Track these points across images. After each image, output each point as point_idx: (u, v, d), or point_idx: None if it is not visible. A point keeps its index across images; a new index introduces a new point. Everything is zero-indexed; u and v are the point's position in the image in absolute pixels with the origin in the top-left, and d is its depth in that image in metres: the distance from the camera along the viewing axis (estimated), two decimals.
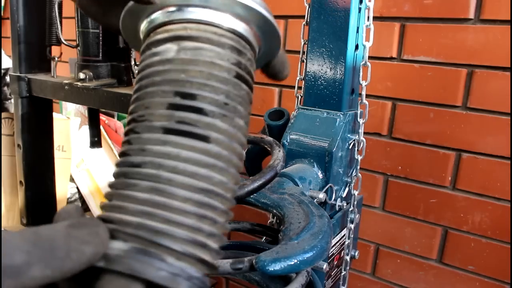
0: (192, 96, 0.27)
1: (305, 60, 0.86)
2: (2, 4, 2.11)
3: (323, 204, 0.79)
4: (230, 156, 0.27)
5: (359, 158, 0.86)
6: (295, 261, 0.46)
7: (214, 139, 0.27)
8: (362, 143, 0.84)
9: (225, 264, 0.48)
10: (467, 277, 1.12)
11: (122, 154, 0.27)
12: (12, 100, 1.33)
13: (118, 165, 0.28)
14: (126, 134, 0.28)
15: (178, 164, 0.25)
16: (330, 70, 0.83)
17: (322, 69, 0.83)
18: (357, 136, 0.84)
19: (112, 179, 0.28)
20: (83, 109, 1.83)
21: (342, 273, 0.90)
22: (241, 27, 0.29)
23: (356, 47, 0.83)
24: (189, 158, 0.26)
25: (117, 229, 0.24)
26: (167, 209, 0.25)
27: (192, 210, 0.25)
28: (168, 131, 0.26)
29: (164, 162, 0.25)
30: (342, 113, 0.82)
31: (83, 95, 1.05)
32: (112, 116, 1.81)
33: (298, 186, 0.74)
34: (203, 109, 0.27)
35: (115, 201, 0.26)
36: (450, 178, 1.10)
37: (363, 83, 0.83)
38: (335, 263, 0.85)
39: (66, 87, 1.08)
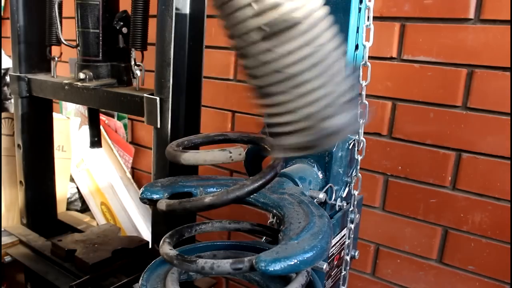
0: None
1: None
2: (2, 4, 2.11)
3: (323, 204, 0.79)
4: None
5: (359, 158, 0.86)
6: (295, 261, 0.46)
7: None
8: (362, 143, 0.84)
9: (225, 264, 0.48)
10: (467, 277, 1.12)
11: None
12: (12, 100, 1.33)
13: None
14: None
15: None
16: None
17: None
18: (357, 136, 0.84)
19: None
20: (83, 109, 1.83)
21: (342, 273, 0.90)
22: None
23: (356, 47, 0.83)
24: None
25: None
26: None
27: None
28: None
29: None
30: None
31: (83, 95, 1.05)
32: (112, 116, 1.81)
33: (298, 186, 0.74)
34: None
35: None
36: (450, 178, 1.10)
37: (363, 83, 0.83)
38: (335, 263, 0.85)
39: (66, 87, 1.08)
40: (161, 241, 0.59)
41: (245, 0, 0.44)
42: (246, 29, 0.45)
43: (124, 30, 1.01)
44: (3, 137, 1.45)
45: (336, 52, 0.48)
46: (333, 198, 0.81)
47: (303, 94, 0.46)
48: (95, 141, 1.23)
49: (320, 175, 0.80)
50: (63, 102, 1.97)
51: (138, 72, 0.97)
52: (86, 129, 1.44)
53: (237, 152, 0.53)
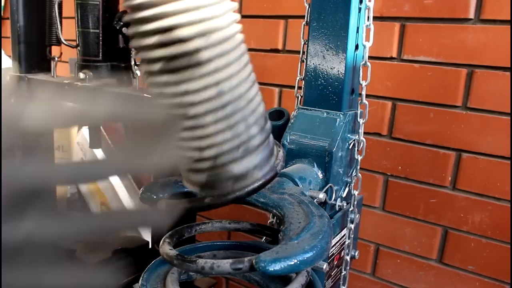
0: None
1: (305, 60, 0.86)
2: (2, 4, 2.11)
3: (323, 204, 0.79)
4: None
5: (359, 158, 0.86)
6: (295, 261, 0.46)
7: None
8: (362, 143, 0.84)
9: (225, 264, 0.48)
10: (467, 277, 1.12)
11: None
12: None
13: None
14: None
15: None
16: (330, 70, 0.83)
17: (322, 69, 0.83)
18: (357, 136, 0.84)
19: None
20: None
21: (342, 273, 0.90)
22: None
23: (356, 47, 0.83)
24: None
25: None
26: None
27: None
28: None
29: None
30: (342, 113, 0.82)
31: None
32: None
33: (298, 186, 0.74)
34: None
35: None
36: (450, 178, 1.10)
37: (363, 83, 0.83)
38: (335, 263, 0.85)
39: (66, 87, 1.08)
40: (161, 241, 0.59)
41: (150, 26, 0.39)
42: (146, 56, 0.41)
43: (124, 30, 1.01)
44: None
45: (249, 94, 0.44)
46: (333, 198, 0.81)
47: (203, 136, 0.43)
48: (95, 141, 1.23)
49: (320, 175, 0.80)
50: None
51: (138, 72, 0.97)
52: (86, 129, 1.44)
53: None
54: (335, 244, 0.83)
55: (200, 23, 0.40)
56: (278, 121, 0.88)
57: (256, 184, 0.50)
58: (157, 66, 0.41)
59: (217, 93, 0.41)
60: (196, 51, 0.40)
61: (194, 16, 0.39)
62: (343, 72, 0.81)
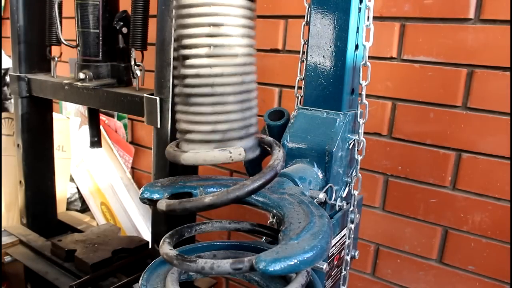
0: None
1: (305, 60, 0.86)
2: (2, 4, 2.11)
3: (323, 204, 0.79)
4: None
5: (359, 158, 0.86)
6: (295, 261, 0.46)
7: None
8: (362, 143, 0.84)
9: (225, 264, 0.48)
10: (467, 277, 1.12)
11: None
12: (12, 100, 1.33)
13: None
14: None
15: None
16: (330, 70, 0.83)
17: (322, 69, 0.83)
18: (357, 136, 0.84)
19: None
20: (83, 109, 1.83)
21: (342, 273, 0.90)
22: None
23: (356, 47, 0.83)
24: None
25: None
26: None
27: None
28: None
29: None
30: (342, 113, 0.82)
31: (83, 95, 1.05)
32: (112, 116, 1.81)
33: (298, 186, 0.74)
34: None
35: None
36: (450, 178, 1.10)
37: (363, 83, 0.83)
38: (335, 263, 0.85)
39: (66, 87, 1.08)
40: (161, 241, 0.59)
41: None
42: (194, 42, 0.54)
43: (124, 30, 1.01)
44: (3, 137, 1.45)
45: (255, 90, 0.58)
46: (333, 198, 0.81)
47: (221, 112, 0.54)
48: (95, 141, 1.23)
49: (320, 175, 0.80)
50: (63, 102, 1.97)
51: (138, 72, 0.97)
52: (86, 129, 1.44)
53: (237, 152, 0.53)
54: (335, 244, 0.83)
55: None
56: (278, 121, 0.88)
57: (256, 184, 0.50)
58: (203, 51, 0.52)
59: (241, 80, 0.54)
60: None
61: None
62: (343, 72, 0.81)
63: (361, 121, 0.84)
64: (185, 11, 0.52)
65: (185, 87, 0.54)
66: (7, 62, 1.73)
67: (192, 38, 0.52)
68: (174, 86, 0.58)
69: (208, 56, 0.52)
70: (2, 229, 1.27)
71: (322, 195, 0.73)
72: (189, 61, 0.53)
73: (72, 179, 1.78)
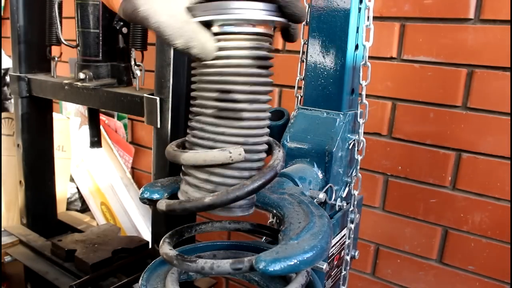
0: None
1: (305, 60, 0.86)
2: (2, 4, 2.11)
3: (323, 204, 0.79)
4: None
5: (359, 158, 0.86)
6: (295, 261, 0.46)
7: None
8: (362, 143, 0.84)
9: (225, 264, 0.48)
10: (467, 277, 1.12)
11: None
12: (12, 100, 1.33)
13: None
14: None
15: None
16: (330, 70, 0.83)
17: (322, 69, 0.83)
18: (357, 136, 0.84)
19: None
20: (83, 109, 1.83)
21: (342, 273, 0.90)
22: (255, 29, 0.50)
23: (356, 47, 0.83)
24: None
25: None
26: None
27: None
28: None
29: None
30: (342, 113, 0.82)
31: (83, 95, 1.05)
32: (112, 116, 1.81)
33: (298, 186, 0.74)
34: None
35: None
36: (450, 178, 1.10)
37: (363, 83, 0.83)
38: (335, 263, 0.85)
39: (66, 87, 1.08)
40: (161, 241, 0.59)
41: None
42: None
43: (124, 30, 1.01)
44: (3, 137, 1.45)
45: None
46: (333, 198, 0.81)
47: (234, 126, 0.54)
48: (95, 141, 1.24)
49: (320, 175, 0.80)
50: (63, 102, 1.97)
51: (138, 72, 0.97)
52: (86, 129, 1.44)
53: (237, 152, 0.53)
54: (335, 244, 0.83)
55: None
56: (278, 121, 0.88)
57: (256, 184, 0.50)
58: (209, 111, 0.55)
59: (254, 98, 0.54)
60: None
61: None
62: (343, 72, 0.81)
63: (361, 121, 0.84)
64: (198, 72, 0.56)
65: (191, 133, 0.57)
66: (7, 62, 1.73)
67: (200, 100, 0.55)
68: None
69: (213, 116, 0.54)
70: (2, 229, 1.27)
71: (322, 195, 0.73)
72: (197, 118, 0.56)
73: (72, 179, 1.78)
